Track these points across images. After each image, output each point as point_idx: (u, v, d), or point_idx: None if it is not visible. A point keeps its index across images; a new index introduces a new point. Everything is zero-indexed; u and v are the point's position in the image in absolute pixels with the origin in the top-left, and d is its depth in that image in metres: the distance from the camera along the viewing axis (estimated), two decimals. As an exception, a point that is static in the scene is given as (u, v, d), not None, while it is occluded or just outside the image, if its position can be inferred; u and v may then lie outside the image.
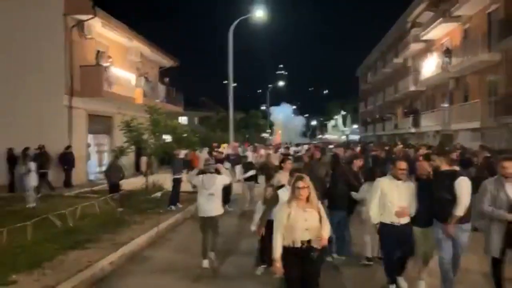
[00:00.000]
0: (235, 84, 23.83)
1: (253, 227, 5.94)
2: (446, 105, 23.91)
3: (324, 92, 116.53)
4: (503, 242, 4.81)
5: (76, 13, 15.08)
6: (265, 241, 5.51)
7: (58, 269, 5.91)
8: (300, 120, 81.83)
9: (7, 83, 14.73)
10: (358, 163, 7.45)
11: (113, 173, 11.27)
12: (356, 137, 59.10)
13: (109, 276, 6.05)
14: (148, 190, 13.34)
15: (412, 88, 28.90)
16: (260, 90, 78.61)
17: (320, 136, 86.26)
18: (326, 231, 4.19)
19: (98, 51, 16.47)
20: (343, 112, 67.56)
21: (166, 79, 23.46)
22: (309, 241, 4.04)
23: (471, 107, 19.73)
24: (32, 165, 11.09)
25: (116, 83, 16.58)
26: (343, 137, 65.48)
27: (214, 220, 6.59)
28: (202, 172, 6.95)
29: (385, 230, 5.16)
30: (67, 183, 14.72)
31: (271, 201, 5.48)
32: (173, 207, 11.11)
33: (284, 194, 4.99)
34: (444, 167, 5.09)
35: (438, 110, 25.02)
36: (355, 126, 63.64)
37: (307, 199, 4.10)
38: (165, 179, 13.28)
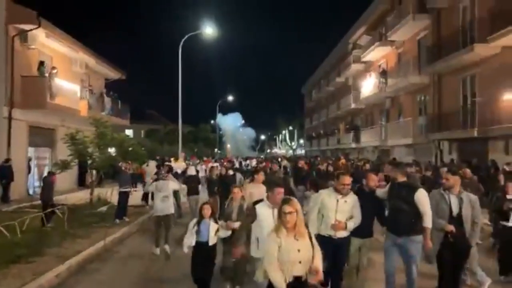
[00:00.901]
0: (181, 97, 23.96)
1: (186, 249, 5.34)
2: (383, 122, 25.70)
3: (272, 107, 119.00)
4: (439, 250, 5.06)
5: (19, 23, 14.64)
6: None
7: (3, 282, 5.82)
8: (248, 132, 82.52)
9: None
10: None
11: (46, 190, 10.68)
12: (302, 152, 60.96)
13: (56, 288, 6.05)
14: (93, 204, 13.11)
15: (353, 105, 30.66)
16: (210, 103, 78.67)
17: (268, 150, 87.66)
18: (320, 261, 3.62)
19: (41, 62, 16.01)
20: (290, 128, 69.34)
21: (111, 93, 23.08)
22: (300, 277, 3.51)
23: (404, 125, 21.41)
24: None
25: (60, 95, 16.18)
26: (290, 152, 67.13)
27: (167, 217, 8.18)
28: (156, 180, 8.60)
29: (321, 242, 4.87)
30: (5, 198, 14.02)
31: (248, 218, 4.87)
32: (118, 221, 11.01)
33: (263, 209, 4.65)
34: (401, 178, 5.23)
35: (375, 127, 26.77)
36: (302, 141, 65.56)
37: (294, 225, 3.55)
38: (110, 193, 13.13)
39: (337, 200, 5.09)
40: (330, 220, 5.05)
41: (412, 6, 19.18)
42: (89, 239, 8.77)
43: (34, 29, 14.83)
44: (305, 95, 55.78)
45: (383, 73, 24.21)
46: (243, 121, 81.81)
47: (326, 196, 5.20)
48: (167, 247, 7.94)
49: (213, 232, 5.26)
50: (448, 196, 5.05)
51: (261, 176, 6.87)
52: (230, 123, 74.32)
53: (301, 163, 13.95)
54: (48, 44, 16.81)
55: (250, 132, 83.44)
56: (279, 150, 77.44)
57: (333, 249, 5.03)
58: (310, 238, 3.61)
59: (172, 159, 21.92)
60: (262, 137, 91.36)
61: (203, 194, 11.76)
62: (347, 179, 5.11)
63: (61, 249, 7.90)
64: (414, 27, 20.10)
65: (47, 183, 10.62)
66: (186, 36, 21.66)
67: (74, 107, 17.32)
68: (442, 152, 18.44)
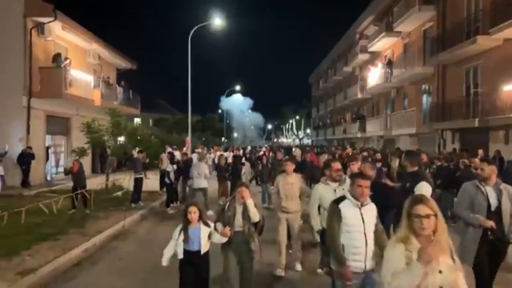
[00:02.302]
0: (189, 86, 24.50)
1: (165, 262, 4.48)
2: (388, 112, 26.08)
3: (279, 97, 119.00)
4: (477, 250, 4.46)
5: (37, 15, 15.24)
6: None
7: (36, 256, 6.52)
8: (256, 119, 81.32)
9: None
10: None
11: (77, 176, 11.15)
12: (308, 141, 61.40)
13: (83, 262, 6.73)
14: (108, 189, 13.84)
15: (359, 95, 31.02)
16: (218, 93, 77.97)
17: (275, 139, 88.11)
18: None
19: (58, 53, 16.63)
20: (297, 117, 69.64)
21: (122, 83, 23.67)
22: None
23: (409, 115, 21.81)
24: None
25: (74, 85, 16.82)
26: (297, 141, 67.57)
27: (202, 190, 11.04)
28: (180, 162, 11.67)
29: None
30: (25, 183, 14.80)
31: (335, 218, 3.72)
32: (133, 205, 11.70)
33: (350, 210, 3.67)
34: (410, 169, 5.06)
35: (381, 117, 27.16)
36: (308, 130, 65.89)
37: (433, 234, 2.54)
38: (127, 179, 13.82)
39: (335, 190, 5.00)
40: None
41: (418, -3, 19.45)
42: (108, 220, 9.48)
43: (50, 21, 15.43)
44: (312, 84, 56.03)
45: (389, 63, 24.53)
46: (251, 102, 79.34)
47: (322, 189, 5.13)
48: (209, 212, 9.82)
49: (206, 237, 4.41)
50: (484, 188, 4.51)
51: (291, 166, 6.44)
52: (234, 104, 72.48)
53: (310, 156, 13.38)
54: (63, 36, 17.41)
55: (258, 118, 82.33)
56: (286, 139, 77.84)
57: None
58: (452, 255, 2.57)
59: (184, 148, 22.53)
60: (269, 126, 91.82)
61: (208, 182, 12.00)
62: (338, 165, 5.11)
63: (84, 229, 8.59)
64: (419, 18, 20.38)
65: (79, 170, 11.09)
66: (195, 28, 22.10)
67: (88, 96, 17.98)
68: (445, 142, 18.88)
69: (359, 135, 31.09)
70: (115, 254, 7.29)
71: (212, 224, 4.56)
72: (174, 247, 4.39)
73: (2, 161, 12.82)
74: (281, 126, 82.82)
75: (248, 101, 78.53)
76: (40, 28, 15.59)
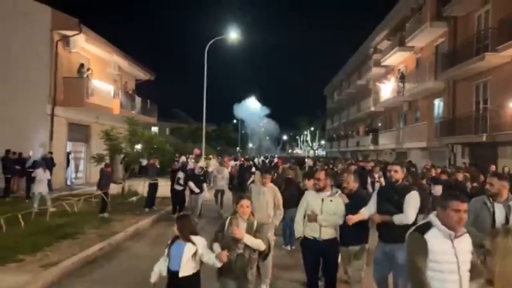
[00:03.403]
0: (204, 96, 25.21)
1: (153, 279, 4.04)
2: (401, 125, 26.30)
3: (294, 108, 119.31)
4: None
5: (63, 29, 16.23)
6: None
7: (57, 252, 7.13)
8: (272, 127, 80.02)
9: (-6, 90, 15.64)
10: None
11: (102, 180, 11.74)
12: (323, 153, 61.53)
13: (99, 259, 7.32)
14: (124, 194, 14.49)
15: (372, 108, 31.28)
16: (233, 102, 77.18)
17: (290, 150, 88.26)
18: None
19: (81, 64, 17.57)
20: (312, 128, 69.87)
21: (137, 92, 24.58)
22: None
23: (419, 128, 22.02)
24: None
25: (95, 94, 17.70)
26: (311, 152, 67.70)
27: (221, 191, 12.80)
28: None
29: (305, 245, 4.94)
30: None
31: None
32: (147, 210, 12.30)
33: (439, 241, 2.87)
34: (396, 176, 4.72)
35: (392, 130, 27.38)
36: (323, 141, 66.03)
37: None
38: (142, 185, 14.46)
39: (322, 200, 4.90)
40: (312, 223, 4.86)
41: (430, 14, 19.80)
42: (123, 222, 10.09)
43: (75, 34, 16.39)
44: (327, 96, 56.40)
45: (402, 77, 24.83)
46: (267, 111, 75.98)
47: (311, 196, 5.06)
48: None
49: (187, 257, 3.79)
50: (492, 204, 4.14)
51: (269, 179, 6.48)
52: (250, 110, 70.04)
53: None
54: (86, 47, 18.40)
55: (273, 127, 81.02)
56: (300, 150, 77.96)
57: (319, 253, 4.83)
58: None
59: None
60: (284, 137, 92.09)
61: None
62: (322, 174, 5.02)
63: (100, 230, 9.21)
64: (431, 34, 20.69)
65: (103, 174, 11.75)
66: (211, 41, 22.89)
67: (108, 105, 18.85)
68: (455, 156, 19.02)
69: (371, 147, 31.27)
70: (128, 253, 7.87)
71: (201, 242, 3.89)
72: (163, 263, 3.95)
73: (55, 166, 13.14)
74: (296, 137, 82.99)
75: (264, 110, 77.04)
76: (66, 41, 16.56)
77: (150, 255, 7.67)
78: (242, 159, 22.88)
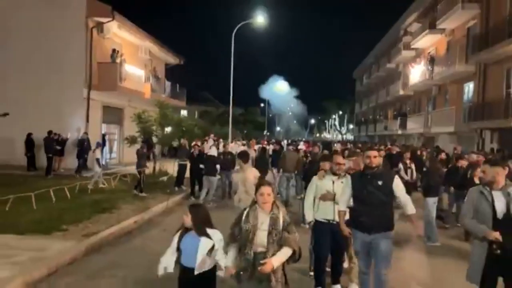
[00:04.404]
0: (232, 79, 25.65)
1: (160, 271, 3.64)
2: (430, 109, 25.92)
3: (323, 92, 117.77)
4: (486, 268, 3.87)
5: (97, 16, 16.97)
6: None
7: (96, 224, 7.88)
8: (301, 110, 78.42)
9: (33, 76, 16.66)
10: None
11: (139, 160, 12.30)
12: (351, 137, 61.08)
13: (133, 231, 8.03)
14: (155, 174, 15.31)
15: (401, 92, 30.86)
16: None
17: (317, 134, 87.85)
18: None
19: (114, 50, 18.34)
20: (340, 112, 69.18)
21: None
22: None
23: (448, 113, 21.71)
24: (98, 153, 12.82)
25: (128, 79, 18.50)
26: (339, 137, 67.26)
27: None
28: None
29: (318, 227, 5.01)
30: (84, 166, 16.58)
31: None
32: (177, 189, 13.02)
33: None
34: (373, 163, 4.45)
35: (420, 114, 27.02)
36: (351, 126, 65.41)
37: None
38: (168, 165, 15.22)
39: (333, 182, 4.96)
40: (326, 205, 4.92)
41: (461, -5, 19.32)
42: (154, 200, 10.82)
43: (109, 21, 17.10)
44: (356, 79, 55.69)
45: (431, 61, 24.38)
46: (292, 90, 73.69)
47: (319, 180, 5.07)
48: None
49: (202, 253, 3.44)
50: (489, 193, 3.93)
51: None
52: (274, 90, 67.90)
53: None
54: (118, 34, 19.13)
55: (302, 110, 79.16)
56: (328, 134, 77.51)
57: (332, 235, 4.89)
58: None
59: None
60: (312, 121, 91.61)
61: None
62: (341, 159, 5.04)
63: (134, 205, 9.96)
64: (463, 16, 20.19)
65: (140, 154, 12.33)
66: (239, 25, 23.19)
67: (140, 89, 19.65)
68: (484, 141, 18.74)
69: (399, 132, 30.98)
70: (159, 226, 8.55)
71: (217, 236, 3.52)
72: (170, 256, 3.60)
73: (99, 146, 13.79)
74: (325, 121, 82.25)
75: (292, 92, 74.59)
76: (100, 27, 17.31)
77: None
78: (265, 142, 23.02)
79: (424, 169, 10.05)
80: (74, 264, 5.95)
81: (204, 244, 3.44)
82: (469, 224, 4.05)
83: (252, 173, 6.32)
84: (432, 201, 7.91)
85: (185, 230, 3.58)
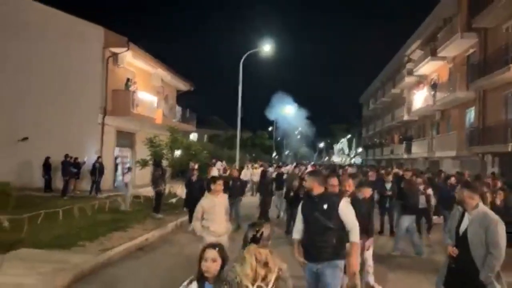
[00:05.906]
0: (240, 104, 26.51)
1: None
2: (434, 134, 26.43)
3: (330, 116, 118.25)
4: (447, 277, 4.39)
5: (113, 47, 18.09)
6: None
7: (111, 240, 8.53)
8: (309, 131, 77.52)
9: (52, 102, 17.67)
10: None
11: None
12: (359, 161, 61.30)
13: (146, 247, 8.65)
14: (164, 196, 15.93)
15: (406, 117, 31.46)
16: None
17: (326, 158, 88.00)
18: None
19: (128, 78, 19.40)
20: (348, 136, 69.58)
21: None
22: None
23: (450, 137, 22.21)
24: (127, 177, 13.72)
25: (140, 105, 19.46)
26: (348, 160, 67.43)
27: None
28: None
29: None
30: (97, 188, 17.36)
31: None
32: (185, 209, 13.53)
33: None
34: (317, 190, 4.24)
35: (424, 139, 27.52)
36: (359, 149, 65.67)
37: None
38: (177, 188, 15.92)
39: None
40: None
41: (460, 25, 20.12)
42: (164, 220, 11.45)
43: (124, 51, 18.20)
44: (363, 104, 56.48)
45: (434, 86, 25.06)
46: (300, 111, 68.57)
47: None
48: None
49: None
50: (460, 212, 4.33)
51: (220, 186, 5.88)
52: (281, 110, 63.75)
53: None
54: (132, 62, 20.23)
55: (309, 132, 78.43)
56: (337, 158, 77.70)
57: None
58: None
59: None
60: (321, 144, 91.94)
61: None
62: (335, 180, 4.95)
63: (145, 225, 10.60)
64: (462, 45, 20.95)
65: (156, 176, 12.91)
66: (247, 54, 24.21)
67: (151, 115, 20.58)
68: (485, 165, 19.14)
69: (405, 156, 31.39)
70: (169, 243, 9.18)
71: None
72: None
73: (130, 171, 14.66)
74: (333, 145, 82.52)
75: (302, 113, 72.98)
76: (115, 57, 18.41)
77: (187, 245, 8.98)
78: (261, 164, 23.05)
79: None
80: (92, 275, 6.58)
81: None
82: (442, 238, 4.88)
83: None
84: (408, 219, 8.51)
85: (201, 279, 2.81)
